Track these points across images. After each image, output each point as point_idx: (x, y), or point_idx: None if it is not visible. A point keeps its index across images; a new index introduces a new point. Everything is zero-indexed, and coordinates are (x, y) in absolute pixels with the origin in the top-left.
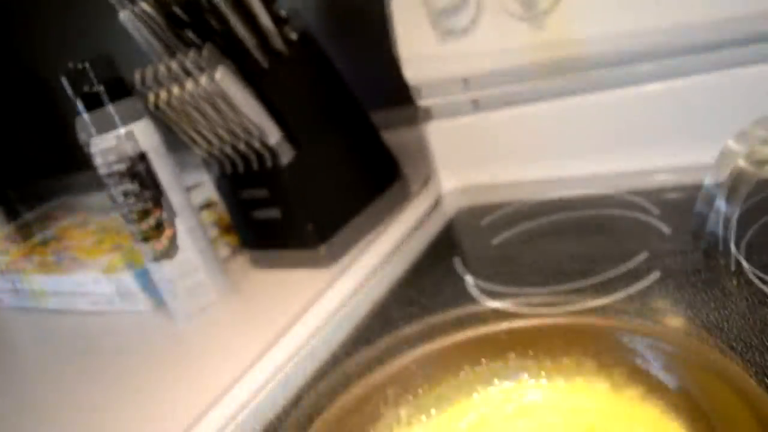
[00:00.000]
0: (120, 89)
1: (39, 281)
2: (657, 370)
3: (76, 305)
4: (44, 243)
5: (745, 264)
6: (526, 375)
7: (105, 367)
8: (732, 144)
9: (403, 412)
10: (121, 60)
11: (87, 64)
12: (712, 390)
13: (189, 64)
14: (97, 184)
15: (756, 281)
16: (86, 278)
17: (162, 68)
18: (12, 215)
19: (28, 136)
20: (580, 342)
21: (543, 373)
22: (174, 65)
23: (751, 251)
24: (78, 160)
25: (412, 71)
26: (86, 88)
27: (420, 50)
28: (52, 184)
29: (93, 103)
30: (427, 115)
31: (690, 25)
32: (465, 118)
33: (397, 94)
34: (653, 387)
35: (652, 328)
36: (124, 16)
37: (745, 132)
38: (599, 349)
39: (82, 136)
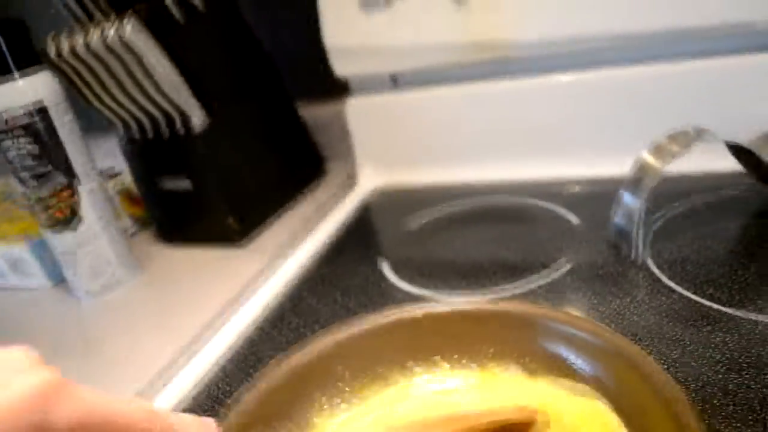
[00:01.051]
0: (32, 58)
1: None
2: (569, 355)
3: None
4: None
5: (646, 255)
6: (443, 361)
7: None
8: (647, 157)
9: (319, 397)
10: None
11: None
12: (623, 378)
13: (92, 7)
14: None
15: (656, 271)
16: None
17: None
18: None
19: None
20: (494, 328)
21: (459, 357)
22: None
23: (654, 243)
24: None
25: (333, 39)
26: None
27: (342, 18)
28: None
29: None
30: (346, 90)
31: (615, 26)
32: (385, 95)
33: (319, 77)
34: (565, 373)
35: (565, 315)
36: None
37: (659, 145)
38: (513, 335)
39: None
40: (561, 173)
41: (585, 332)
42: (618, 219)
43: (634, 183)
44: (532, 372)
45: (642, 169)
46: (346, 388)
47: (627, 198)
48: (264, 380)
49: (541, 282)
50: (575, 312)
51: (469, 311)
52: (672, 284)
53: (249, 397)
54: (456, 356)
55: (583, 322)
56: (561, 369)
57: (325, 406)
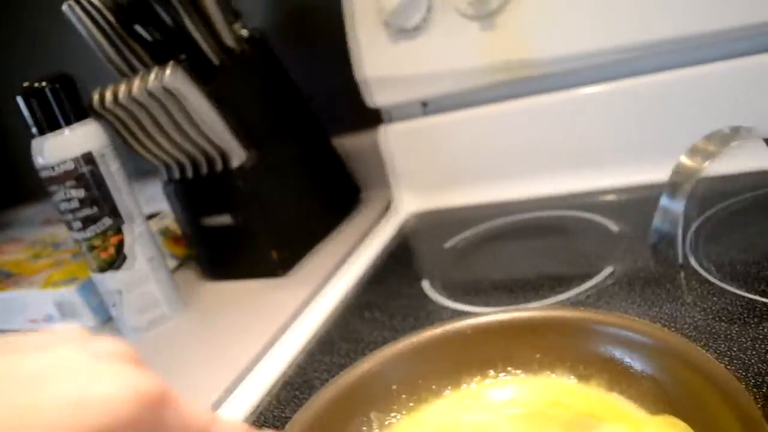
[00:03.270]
0: (80, 113)
1: None
2: (623, 357)
3: (12, 324)
4: None
5: (691, 257)
6: (491, 371)
7: None
8: (684, 159)
9: (372, 415)
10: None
11: (45, 84)
12: (680, 375)
13: (135, 62)
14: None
15: (702, 272)
16: (23, 294)
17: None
18: None
19: None
20: (542, 335)
21: (509, 368)
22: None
23: (696, 244)
24: (28, 192)
25: (365, 71)
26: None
27: (373, 50)
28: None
29: (52, 125)
30: (378, 120)
31: (639, 35)
32: (417, 121)
33: (352, 109)
34: (620, 375)
35: (615, 317)
36: (67, 7)
37: (696, 146)
38: (563, 342)
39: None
40: (597, 184)
41: (638, 333)
42: (659, 224)
43: (673, 186)
44: (585, 378)
45: (680, 171)
46: (398, 406)
47: (666, 202)
48: (317, 401)
49: (587, 290)
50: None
51: (516, 320)
52: (720, 283)
53: (304, 417)
54: (506, 366)
55: (634, 323)
56: (616, 372)
57: (379, 424)
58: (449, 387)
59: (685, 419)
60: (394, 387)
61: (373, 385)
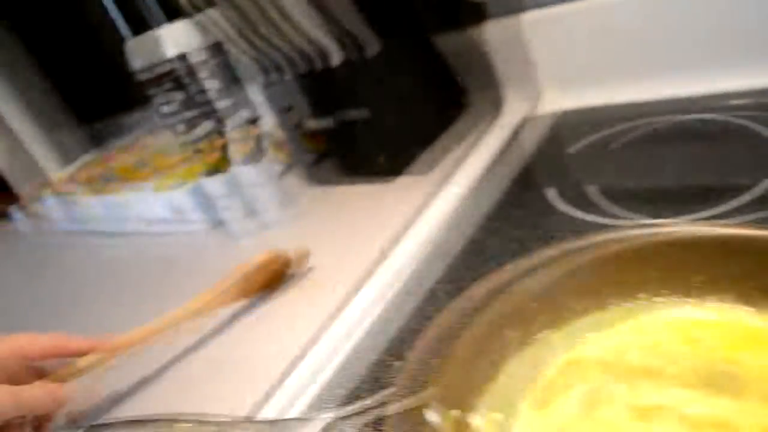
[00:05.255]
0: (173, 13)
1: (88, 203)
2: None
3: (127, 227)
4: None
5: None
6: (642, 294)
7: (167, 292)
8: None
9: (516, 336)
10: None
11: None
12: None
13: None
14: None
15: None
16: (136, 197)
17: None
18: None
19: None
20: (705, 255)
21: (664, 291)
22: None
23: None
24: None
25: None
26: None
27: None
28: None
29: (144, 26)
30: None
31: None
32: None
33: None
34: None
35: None
36: None
37: None
38: (729, 263)
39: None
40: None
41: None
42: None
43: None
44: (756, 305)
45: None
46: (552, 338)
47: None
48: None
49: (745, 202)
50: None
51: (676, 238)
52: None
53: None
54: (660, 290)
55: None
56: None
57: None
58: (595, 308)
59: None
60: (536, 309)
61: (511, 301)
